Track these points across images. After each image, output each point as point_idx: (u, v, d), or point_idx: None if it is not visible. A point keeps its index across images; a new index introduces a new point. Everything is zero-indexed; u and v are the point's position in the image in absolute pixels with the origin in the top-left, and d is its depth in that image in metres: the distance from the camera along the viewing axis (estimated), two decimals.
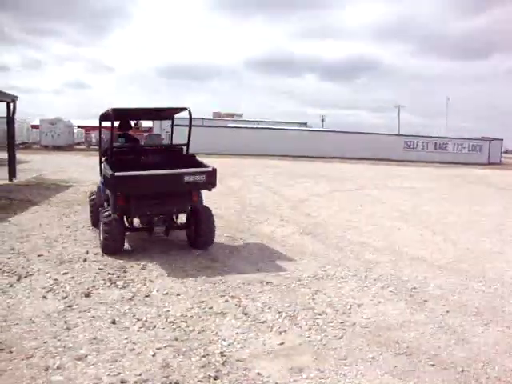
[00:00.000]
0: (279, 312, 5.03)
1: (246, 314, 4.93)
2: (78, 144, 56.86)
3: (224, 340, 4.30)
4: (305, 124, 78.39)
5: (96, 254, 7.01)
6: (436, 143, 55.40)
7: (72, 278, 5.88)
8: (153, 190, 7.03)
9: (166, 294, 5.46)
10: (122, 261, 6.68)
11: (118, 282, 5.77)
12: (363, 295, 5.71)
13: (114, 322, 4.55)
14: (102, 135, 9.73)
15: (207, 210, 7.86)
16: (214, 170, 7.54)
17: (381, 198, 15.60)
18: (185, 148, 9.23)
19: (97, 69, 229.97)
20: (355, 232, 9.45)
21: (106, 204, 7.67)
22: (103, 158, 8.31)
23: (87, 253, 7.05)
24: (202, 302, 5.25)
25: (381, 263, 7.18)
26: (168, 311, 4.93)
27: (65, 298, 5.19)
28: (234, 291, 5.64)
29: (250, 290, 5.72)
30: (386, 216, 11.69)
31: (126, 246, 7.41)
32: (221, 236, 8.52)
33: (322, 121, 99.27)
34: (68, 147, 48.33)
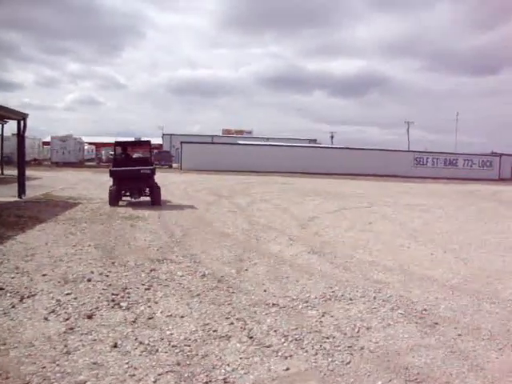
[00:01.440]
0: (285, 335, 4.89)
1: (251, 338, 4.80)
2: (89, 160, 57.27)
3: (228, 365, 4.18)
4: (314, 141, 78.69)
5: (101, 273, 6.93)
6: (446, 159, 55.20)
7: (75, 298, 5.78)
8: (126, 176, 15.54)
9: (170, 316, 5.35)
10: (127, 281, 6.60)
11: (121, 303, 5.67)
12: (372, 317, 5.56)
13: (115, 346, 4.44)
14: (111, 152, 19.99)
15: (158, 187, 16.10)
16: (154, 169, 16.35)
17: (390, 215, 15.45)
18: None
19: (109, 86, 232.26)
20: (364, 251, 9.31)
21: (111, 183, 15.91)
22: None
23: (92, 272, 6.97)
24: (207, 324, 5.13)
25: (390, 283, 7.03)
26: (171, 334, 4.81)
27: (67, 319, 5.09)
28: (239, 313, 5.51)
29: (255, 312, 5.59)
30: (395, 234, 11.54)
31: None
32: (227, 256, 8.43)
33: (332, 137, 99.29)
34: (78, 164, 48.69)
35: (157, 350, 4.40)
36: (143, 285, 6.46)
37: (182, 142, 50.43)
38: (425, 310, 5.89)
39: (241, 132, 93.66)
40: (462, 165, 55.29)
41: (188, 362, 4.18)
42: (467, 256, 9.25)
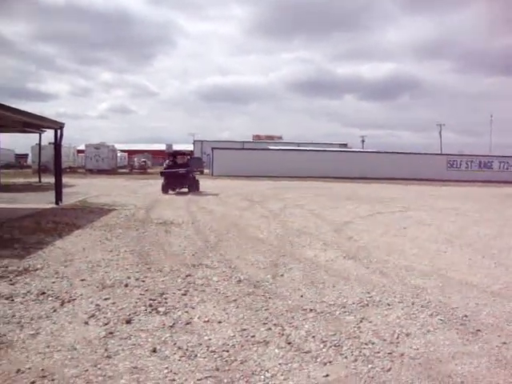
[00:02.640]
0: (323, 341, 4.84)
1: (289, 343, 4.77)
2: (121, 168, 58.14)
3: (267, 371, 4.15)
4: (345, 145, 78.23)
5: (137, 279, 7.00)
6: (480, 162, 54.14)
7: (113, 303, 5.85)
8: (169, 175, 24.00)
9: (208, 321, 5.36)
10: (163, 286, 6.65)
11: (159, 309, 5.71)
12: (411, 323, 5.46)
13: (154, 351, 4.47)
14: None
15: (196, 181, 25.26)
16: (188, 170, 24.56)
17: (425, 219, 15.21)
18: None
19: (141, 94, 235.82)
20: (400, 256, 9.17)
21: (163, 180, 23.94)
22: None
23: (129, 278, 7.05)
24: (244, 329, 5.12)
25: (428, 289, 6.90)
26: (209, 339, 4.81)
27: (106, 324, 5.15)
28: (276, 319, 5.49)
29: (293, 317, 5.56)
30: (431, 239, 11.34)
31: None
32: (262, 261, 8.42)
33: (363, 141, 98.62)
34: (111, 171, 49.47)
35: (196, 355, 4.41)
36: (180, 290, 6.50)
37: (213, 148, 50.76)
38: (465, 316, 5.75)
39: (271, 137, 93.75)
40: (497, 167, 54.13)
41: (227, 368, 4.18)
42: (508, 261, 9.02)
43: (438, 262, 8.71)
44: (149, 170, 58.09)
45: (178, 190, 23.81)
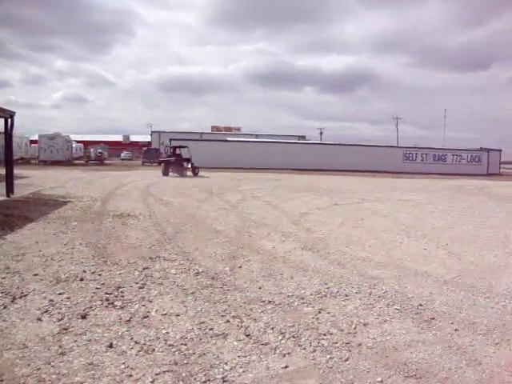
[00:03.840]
0: (282, 333, 4.85)
1: (248, 336, 4.75)
2: (77, 159, 56.85)
3: (226, 364, 4.13)
4: (303, 137, 78.66)
5: (93, 272, 6.84)
6: (435, 155, 55.59)
7: (68, 298, 5.70)
8: (164, 162, 32.80)
9: (165, 314, 5.29)
10: (120, 279, 6.52)
11: (115, 303, 5.59)
12: (368, 313, 5.53)
13: (111, 346, 4.37)
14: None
15: (187, 169, 32.80)
16: (177, 159, 32.93)
17: (382, 211, 15.48)
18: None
19: (97, 83, 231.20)
20: (357, 247, 9.30)
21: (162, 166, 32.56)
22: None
23: (84, 271, 6.88)
24: (203, 322, 5.07)
25: (385, 279, 7.01)
26: (167, 333, 4.75)
27: (60, 320, 5.01)
28: (235, 311, 5.46)
29: (251, 309, 5.55)
30: (387, 230, 11.55)
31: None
32: (220, 253, 8.38)
33: (321, 133, 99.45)
34: (66, 162, 48.31)
35: (153, 350, 4.34)
36: (137, 283, 6.39)
37: (170, 139, 50.17)
38: (420, 305, 5.87)
39: (229, 129, 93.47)
40: (450, 160, 55.74)
41: (185, 361, 4.13)
42: (460, 251, 9.27)
43: (394, 253, 8.87)
44: (106, 162, 57.13)
45: (172, 173, 31.85)
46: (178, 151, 33.99)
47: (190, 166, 33.16)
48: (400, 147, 59.48)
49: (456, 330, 5.11)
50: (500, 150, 60.99)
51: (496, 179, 45.56)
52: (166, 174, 31.50)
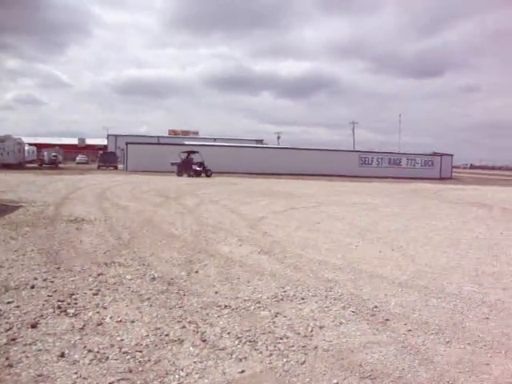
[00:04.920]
0: (239, 337, 4.83)
1: (204, 341, 4.71)
2: (30, 162, 55.25)
3: (181, 370, 4.07)
4: (261, 141, 79.07)
5: (45, 279, 6.64)
6: (390, 159, 56.72)
7: (17, 307, 5.50)
8: (176, 165, 37.90)
9: (120, 321, 5.18)
10: (73, 286, 6.36)
11: (68, 310, 5.44)
12: (324, 316, 5.58)
13: (62, 355, 4.23)
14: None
15: (200, 171, 37.31)
16: (185, 162, 38.14)
17: (338, 214, 15.66)
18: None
19: (52, 85, 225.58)
20: (313, 250, 9.37)
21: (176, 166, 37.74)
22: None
23: (36, 279, 6.67)
24: (158, 328, 5.00)
25: (340, 282, 7.09)
26: (122, 340, 4.65)
27: (8, 330, 4.81)
28: (191, 316, 5.41)
29: (207, 314, 5.50)
30: (343, 233, 11.69)
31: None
32: (176, 258, 8.30)
33: (278, 138, 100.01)
34: (18, 166, 46.88)
35: (107, 358, 4.24)
36: (91, 290, 6.24)
37: (127, 143, 49.53)
38: (375, 307, 5.97)
39: (187, 132, 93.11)
40: (405, 164, 56.99)
41: (140, 369, 4.05)
42: (414, 253, 9.48)
43: (350, 256, 8.98)
44: (60, 165, 55.82)
45: (184, 175, 37.11)
46: (192, 155, 38.83)
47: (200, 168, 37.69)
48: (356, 151, 60.43)
49: (409, 330, 5.22)
50: (452, 155, 62.86)
51: (448, 183, 46.94)
52: (180, 174, 37.20)
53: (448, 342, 4.91)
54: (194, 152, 38.94)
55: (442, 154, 59.87)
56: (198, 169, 37.64)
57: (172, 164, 37.97)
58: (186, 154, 39.02)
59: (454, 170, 65.83)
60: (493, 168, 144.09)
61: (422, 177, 52.72)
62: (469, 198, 25.96)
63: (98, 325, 5.04)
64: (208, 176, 37.43)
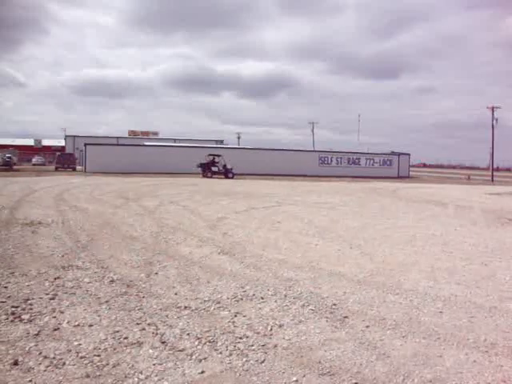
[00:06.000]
0: (198, 338, 4.83)
1: (163, 343, 4.69)
2: None
3: (141, 373, 4.04)
4: (221, 141, 78.93)
5: None
6: (349, 158, 57.48)
7: None
8: (202, 166, 40.97)
9: (78, 325, 5.09)
10: (28, 291, 6.21)
11: (23, 316, 5.31)
12: (284, 315, 5.63)
13: (16, 363, 4.12)
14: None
15: (226, 172, 40.25)
16: (210, 163, 41.21)
17: (298, 213, 15.79)
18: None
19: (4, 84, 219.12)
20: (273, 250, 9.43)
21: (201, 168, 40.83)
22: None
23: None
24: (117, 331, 4.94)
25: (300, 281, 7.16)
26: (79, 345, 4.57)
27: None
28: (150, 318, 5.37)
29: (167, 315, 5.47)
30: (303, 232, 11.80)
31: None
32: (136, 260, 8.21)
33: (238, 138, 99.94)
34: None
35: (64, 364, 4.16)
36: (47, 294, 6.11)
37: (85, 144, 48.61)
38: (334, 304, 6.06)
39: (147, 133, 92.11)
40: (364, 163, 57.87)
41: (98, 373, 3.99)
42: (372, 251, 9.66)
43: (309, 255, 9.08)
44: (15, 167, 54.29)
45: (209, 176, 39.88)
46: (217, 159, 41.72)
47: (218, 170, 40.94)
48: (316, 151, 61.01)
49: (367, 326, 5.32)
50: (409, 154, 64.16)
51: (406, 181, 47.94)
52: (205, 176, 40.26)
53: (404, 337, 5.04)
54: (217, 155, 42.08)
55: (399, 154, 61.09)
56: (215, 170, 40.69)
57: (198, 166, 40.72)
58: (211, 157, 41.82)
59: (411, 168, 67.24)
60: (448, 167, 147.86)
61: (380, 176, 53.70)
62: (425, 196, 26.59)
63: (55, 330, 4.94)
64: (228, 178, 39.31)
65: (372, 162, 58.50)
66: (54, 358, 4.27)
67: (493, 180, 55.37)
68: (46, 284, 6.59)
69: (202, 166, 41.04)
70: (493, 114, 55.16)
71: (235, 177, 40.27)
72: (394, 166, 59.14)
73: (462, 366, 4.35)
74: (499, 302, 6.39)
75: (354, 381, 4.01)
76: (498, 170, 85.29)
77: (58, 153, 62.43)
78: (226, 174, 40.49)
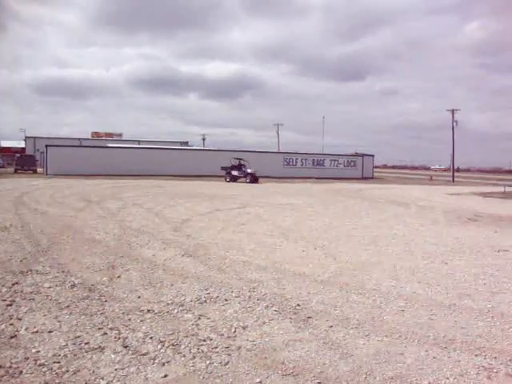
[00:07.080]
0: (161, 341, 4.77)
1: (126, 347, 4.61)
2: None
3: (102, 379, 3.96)
4: (186, 143, 78.44)
5: None
6: (314, 160, 57.96)
7: None
8: (226, 170, 41.57)
9: (36, 332, 4.96)
10: None
11: None
12: (248, 317, 5.62)
13: None
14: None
15: (250, 176, 39.63)
16: (234, 167, 41.69)
17: (262, 215, 15.83)
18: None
19: None
20: (237, 251, 9.42)
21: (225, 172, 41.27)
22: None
23: None
24: (78, 337, 4.84)
25: (264, 282, 7.17)
26: (38, 352, 4.45)
27: None
28: (112, 322, 5.28)
29: (130, 319, 5.39)
30: (267, 233, 11.83)
31: None
32: (98, 263, 8.08)
33: (203, 139, 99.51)
34: None
35: (20, 372, 4.03)
36: (4, 301, 5.93)
37: (46, 146, 47.50)
38: (298, 305, 6.08)
39: (110, 135, 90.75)
40: (328, 165, 58.44)
41: (57, 381, 3.89)
42: (336, 251, 9.75)
43: (274, 256, 9.10)
44: None
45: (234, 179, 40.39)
46: (242, 162, 42.33)
47: (238, 174, 41.04)
48: (281, 153, 61.26)
49: (331, 326, 5.36)
50: (373, 156, 65.19)
51: (370, 182, 48.71)
52: (231, 179, 40.68)
53: (367, 336, 5.10)
54: (240, 159, 42.54)
55: (363, 155, 61.98)
56: (235, 174, 40.92)
57: (222, 168, 41.86)
58: (237, 161, 42.33)
59: (375, 169, 68.22)
60: (411, 168, 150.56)
61: (345, 177, 54.29)
62: (388, 197, 27.04)
63: (11, 337, 4.80)
64: (250, 182, 39.36)
65: (336, 163, 59.13)
66: (10, 367, 4.13)
67: (453, 180, 56.62)
68: (4, 290, 6.40)
69: (225, 169, 41.65)
70: (453, 117, 56.34)
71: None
72: (358, 167, 59.92)
73: (422, 363, 4.44)
74: (458, 300, 6.54)
75: (317, 380, 4.03)
76: (458, 170, 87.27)
77: (17, 154, 60.90)
78: (245, 177, 40.27)
